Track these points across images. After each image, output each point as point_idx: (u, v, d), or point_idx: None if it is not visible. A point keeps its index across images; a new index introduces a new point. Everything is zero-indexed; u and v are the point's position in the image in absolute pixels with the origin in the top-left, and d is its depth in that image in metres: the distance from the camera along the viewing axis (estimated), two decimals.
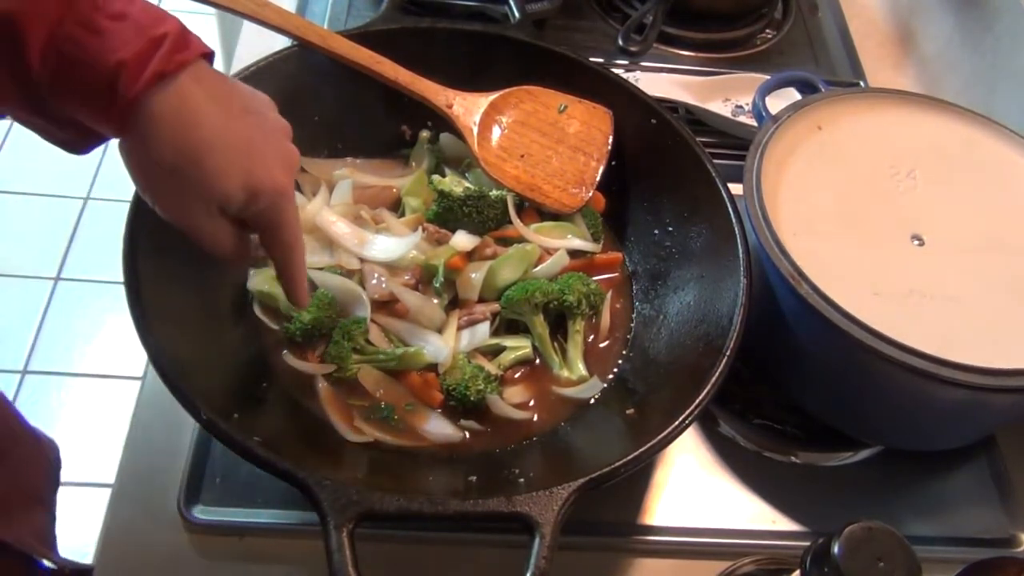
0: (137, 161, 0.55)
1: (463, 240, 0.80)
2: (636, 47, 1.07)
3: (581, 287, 0.78)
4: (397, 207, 0.86)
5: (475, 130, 0.83)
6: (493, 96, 0.85)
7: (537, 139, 0.85)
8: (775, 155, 0.78)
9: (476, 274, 0.78)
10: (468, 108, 0.84)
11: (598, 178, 0.86)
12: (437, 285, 0.78)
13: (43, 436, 1.03)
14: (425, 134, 0.90)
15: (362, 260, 0.79)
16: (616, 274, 0.86)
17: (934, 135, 0.83)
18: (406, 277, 0.79)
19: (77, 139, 0.56)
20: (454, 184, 0.84)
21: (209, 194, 0.55)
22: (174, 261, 0.71)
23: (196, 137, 0.53)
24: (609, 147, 0.86)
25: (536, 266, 0.81)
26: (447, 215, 0.81)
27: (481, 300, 0.79)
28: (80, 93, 0.51)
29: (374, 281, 0.78)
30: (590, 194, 0.85)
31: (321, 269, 0.78)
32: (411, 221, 0.83)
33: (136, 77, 0.50)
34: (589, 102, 0.87)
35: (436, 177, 0.85)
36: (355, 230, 0.80)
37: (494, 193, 0.82)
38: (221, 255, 0.60)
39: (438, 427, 0.73)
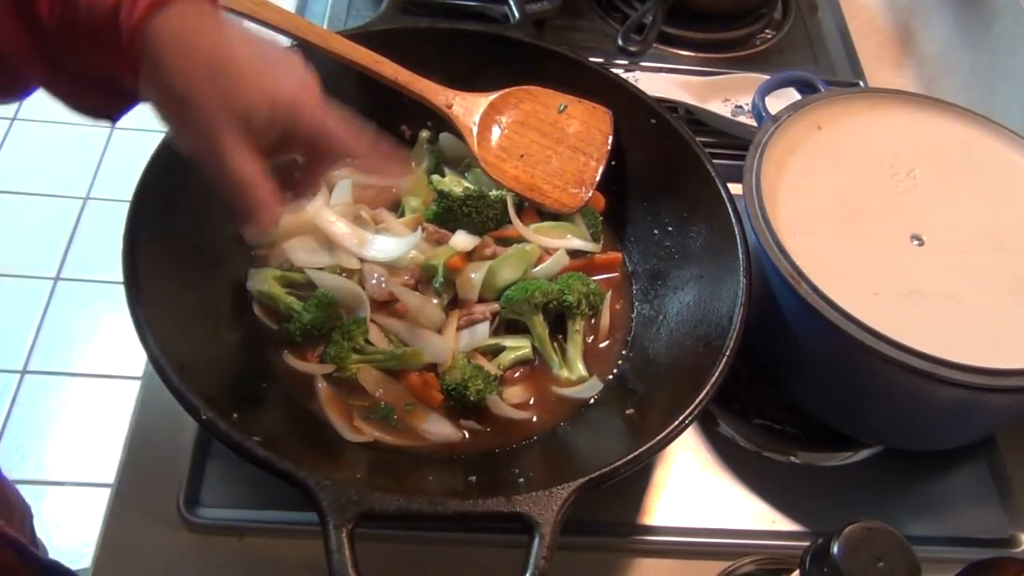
0: (156, 95, 0.55)
1: (463, 240, 0.80)
2: (636, 47, 1.07)
3: (581, 287, 0.78)
4: (397, 207, 0.86)
5: (475, 130, 0.83)
6: (493, 96, 0.85)
7: (537, 139, 0.85)
8: (775, 155, 0.78)
9: (476, 274, 0.78)
10: (468, 108, 0.84)
11: (598, 178, 0.85)
12: (437, 285, 0.78)
13: (19, 494, 1.04)
14: (425, 134, 0.90)
15: (362, 260, 0.79)
16: (616, 274, 0.86)
17: (934, 135, 0.83)
18: (406, 277, 0.79)
19: (103, 102, 0.58)
20: (454, 184, 0.84)
21: (230, 107, 0.55)
22: (174, 261, 0.71)
23: (204, 57, 0.54)
24: (609, 147, 0.86)
25: (536, 266, 0.81)
26: (447, 215, 0.81)
27: (481, 300, 0.79)
28: (86, 35, 0.53)
29: (374, 281, 0.78)
30: (589, 194, 0.85)
31: (321, 269, 0.78)
32: (411, 221, 0.83)
33: (134, 5, 0.52)
34: (589, 102, 0.87)
35: (436, 177, 0.85)
36: (355, 230, 0.80)
37: (494, 193, 0.82)
38: (246, 198, 0.58)
39: (437, 427, 0.73)
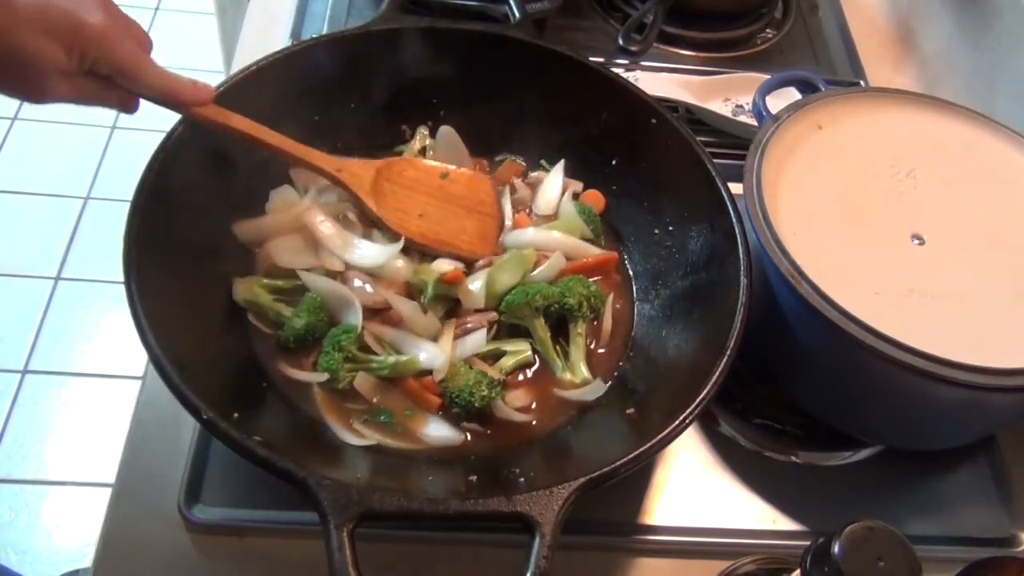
0: None
1: (444, 265, 0.79)
2: (636, 47, 1.07)
3: (582, 290, 0.78)
4: None
5: (370, 193, 0.81)
6: (377, 163, 0.84)
7: (429, 201, 0.85)
8: (775, 155, 0.78)
9: (476, 284, 0.78)
10: (358, 173, 0.81)
11: (501, 232, 0.86)
12: (425, 301, 0.77)
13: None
14: (424, 131, 0.90)
15: (346, 265, 0.79)
16: (616, 275, 0.86)
17: (934, 135, 0.83)
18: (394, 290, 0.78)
19: None
20: None
21: (38, 70, 0.58)
22: (174, 261, 0.71)
23: None
24: (500, 206, 0.87)
25: (533, 270, 0.81)
26: None
27: (478, 309, 0.79)
28: None
29: (357, 284, 0.78)
30: (501, 242, 0.85)
31: (308, 271, 0.78)
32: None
33: None
34: (468, 170, 0.87)
35: None
36: (339, 232, 0.80)
37: None
38: (118, 108, 0.64)
39: (438, 430, 0.73)
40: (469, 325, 0.77)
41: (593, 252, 0.85)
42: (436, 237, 0.82)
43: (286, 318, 0.75)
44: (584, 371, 0.77)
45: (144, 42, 0.65)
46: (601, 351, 0.81)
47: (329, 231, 0.79)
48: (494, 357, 0.78)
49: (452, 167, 0.87)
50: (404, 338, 0.76)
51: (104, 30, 0.59)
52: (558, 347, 0.79)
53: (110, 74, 0.61)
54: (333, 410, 0.73)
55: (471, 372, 0.74)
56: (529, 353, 0.78)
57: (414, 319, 0.76)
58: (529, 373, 0.78)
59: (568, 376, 0.77)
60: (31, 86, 0.59)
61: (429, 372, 0.75)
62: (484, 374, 0.74)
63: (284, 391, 0.74)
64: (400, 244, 0.79)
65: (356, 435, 0.71)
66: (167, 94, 0.66)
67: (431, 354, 0.75)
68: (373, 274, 0.79)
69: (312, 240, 0.80)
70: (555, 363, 0.78)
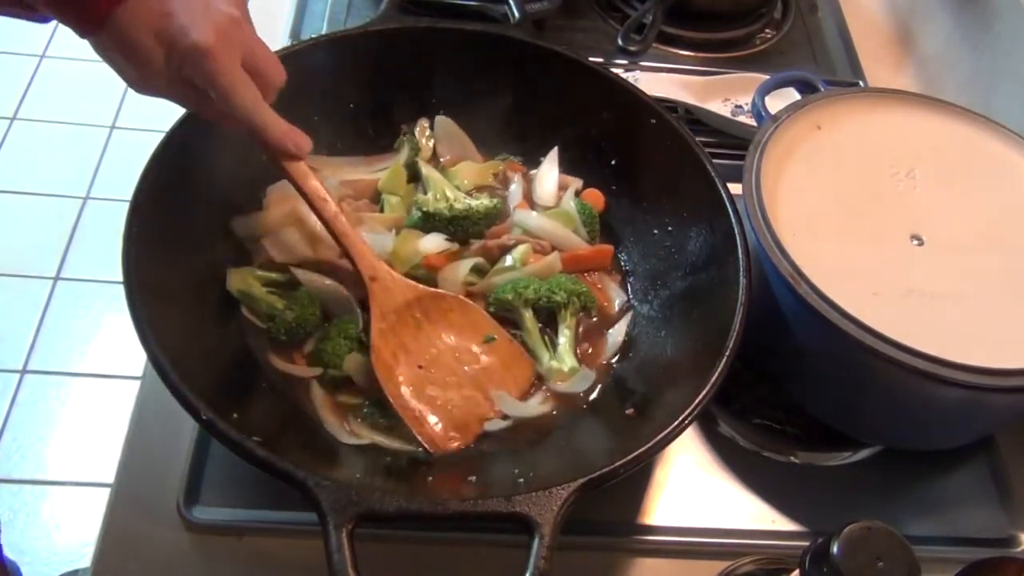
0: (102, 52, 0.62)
1: (432, 243, 0.80)
2: (636, 47, 1.07)
3: (571, 286, 0.79)
4: (380, 199, 0.86)
5: (389, 314, 0.74)
6: (423, 290, 0.76)
7: (445, 356, 0.75)
8: (775, 155, 0.78)
9: (460, 271, 0.78)
10: (390, 289, 0.74)
11: (481, 431, 0.73)
12: None
13: (7, 561, 1.04)
14: (424, 122, 0.90)
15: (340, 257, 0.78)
16: (616, 273, 0.86)
17: (934, 135, 0.83)
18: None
19: (33, 19, 0.63)
20: (437, 199, 0.83)
21: (141, 64, 0.62)
22: (174, 261, 0.71)
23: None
24: (510, 406, 0.75)
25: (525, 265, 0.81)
26: (429, 230, 0.82)
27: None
28: (64, 4, 0.59)
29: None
30: (463, 445, 0.72)
31: (300, 266, 0.78)
32: (390, 220, 0.83)
33: None
34: (520, 347, 0.78)
35: (420, 196, 0.84)
36: None
37: (483, 207, 0.82)
38: (198, 114, 0.68)
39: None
40: None
41: (583, 245, 0.85)
42: (408, 404, 0.72)
43: (278, 311, 0.75)
44: (572, 360, 0.77)
45: (269, 73, 0.65)
46: (600, 345, 0.80)
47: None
48: None
49: (505, 334, 0.77)
50: None
51: (207, 50, 0.60)
52: (547, 339, 0.79)
53: (206, 90, 0.63)
54: (327, 405, 0.73)
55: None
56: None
57: None
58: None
59: (555, 365, 0.77)
60: (132, 74, 0.63)
61: None
62: None
63: (283, 390, 0.74)
64: (391, 236, 0.80)
65: (351, 434, 0.71)
66: (252, 130, 0.66)
67: None
68: None
69: (308, 233, 0.79)
70: (542, 353, 0.77)
